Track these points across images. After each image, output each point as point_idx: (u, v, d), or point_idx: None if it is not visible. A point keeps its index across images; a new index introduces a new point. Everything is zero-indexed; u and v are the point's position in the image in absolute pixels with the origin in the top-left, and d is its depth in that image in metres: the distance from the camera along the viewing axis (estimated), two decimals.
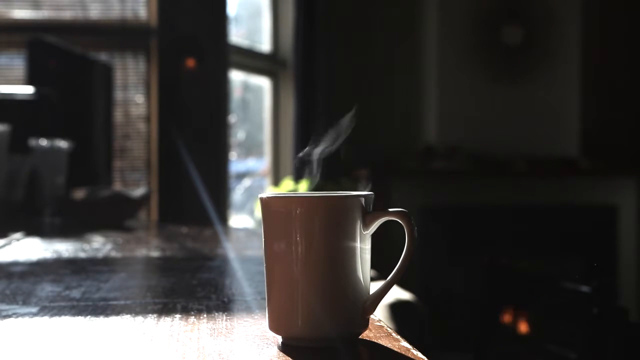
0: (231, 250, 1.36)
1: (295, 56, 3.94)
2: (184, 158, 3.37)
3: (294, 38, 3.95)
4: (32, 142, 1.90)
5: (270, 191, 3.67)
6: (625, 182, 4.19)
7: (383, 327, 0.65)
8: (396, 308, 1.54)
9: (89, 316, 0.70)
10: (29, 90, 2.18)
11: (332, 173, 0.66)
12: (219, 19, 3.63)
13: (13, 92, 2.19)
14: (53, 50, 2.48)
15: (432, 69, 4.13)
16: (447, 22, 4.10)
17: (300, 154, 0.63)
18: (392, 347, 0.58)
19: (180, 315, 0.70)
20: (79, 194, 1.95)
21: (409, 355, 0.56)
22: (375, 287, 0.62)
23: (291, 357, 0.56)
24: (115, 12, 3.60)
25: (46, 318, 0.70)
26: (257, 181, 4.35)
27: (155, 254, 1.31)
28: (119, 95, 3.50)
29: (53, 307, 0.75)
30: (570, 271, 4.08)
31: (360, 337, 0.61)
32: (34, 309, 0.74)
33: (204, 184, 3.33)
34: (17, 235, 1.46)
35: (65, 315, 0.71)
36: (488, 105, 4.12)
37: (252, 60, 4.09)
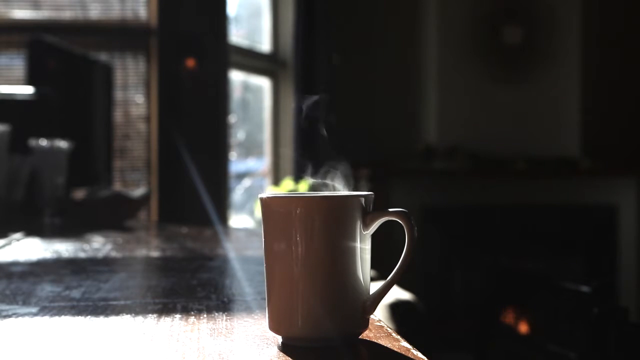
0: (231, 250, 1.36)
1: (295, 56, 3.94)
2: (184, 158, 3.37)
3: (294, 38, 3.95)
4: (32, 142, 1.90)
5: (270, 191, 3.67)
6: (625, 182, 4.19)
7: (383, 327, 0.65)
8: (396, 308, 1.54)
9: (89, 316, 0.70)
10: (29, 90, 2.18)
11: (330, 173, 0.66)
12: (219, 19, 3.63)
13: (13, 92, 2.19)
14: (53, 50, 2.48)
15: (432, 69, 4.13)
16: (447, 22, 4.10)
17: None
18: (392, 347, 0.58)
19: (180, 315, 0.70)
20: (79, 194, 1.95)
21: (409, 355, 0.56)
22: (375, 287, 0.62)
23: (291, 357, 0.56)
24: (115, 12, 3.60)
25: (46, 318, 0.70)
26: (257, 181, 4.35)
27: (155, 254, 1.31)
28: (119, 95, 3.50)
29: (53, 307, 0.75)
30: (570, 271, 4.08)
31: (360, 337, 0.61)
32: (34, 309, 0.74)
33: (204, 184, 3.33)
34: (17, 235, 1.46)
35: (65, 315, 0.71)
36: (488, 105, 4.12)
37: (252, 60, 4.09)
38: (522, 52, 4.15)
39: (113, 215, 1.83)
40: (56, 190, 1.90)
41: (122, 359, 0.55)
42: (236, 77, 4.10)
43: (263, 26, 4.27)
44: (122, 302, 0.78)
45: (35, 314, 0.71)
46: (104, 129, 2.75)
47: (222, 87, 3.63)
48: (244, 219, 4.21)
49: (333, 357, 0.57)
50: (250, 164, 4.42)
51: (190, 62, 3.52)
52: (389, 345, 0.59)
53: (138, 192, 1.99)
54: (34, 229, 1.61)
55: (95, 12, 3.59)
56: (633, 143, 4.39)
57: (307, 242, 0.58)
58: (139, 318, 0.69)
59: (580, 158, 4.12)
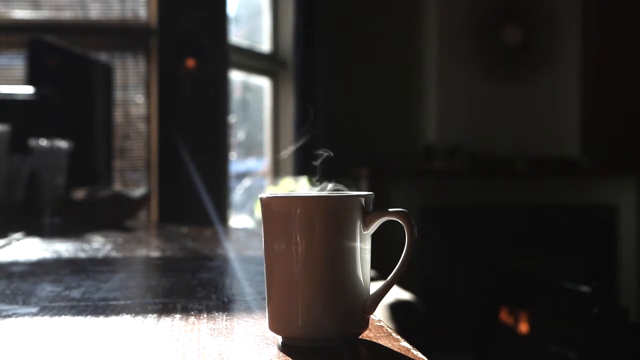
0: (231, 250, 1.36)
1: (295, 56, 3.94)
2: (184, 158, 3.37)
3: (294, 38, 3.95)
4: (32, 142, 1.90)
5: (270, 191, 3.67)
6: (625, 182, 4.19)
7: (383, 327, 0.65)
8: (396, 308, 1.54)
9: (89, 316, 0.70)
10: (29, 90, 2.18)
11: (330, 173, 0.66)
12: (219, 19, 3.63)
13: (13, 92, 2.19)
14: (53, 50, 2.48)
15: (432, 69, 4.13)
16: (447, 22, 4.10)
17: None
18: (392, 347, 0.58)
19: (180, 315, 0.70)
20: (79, 194, 1.95)
21: (409, 355, 0.56)
22: (375, 287, 0.62)
23: (291, 357, 0.56)
24: (115, 12, 3.60)
25: (46, 318, 0.70)
26: (257, 181, 4.35)
27: (155, 254, 1.31)
28: (119, 95, 3.50)
29: (53, 307, 0.75)
30: (570, 271, 4.08)
31: (360, 337, 0.61)
32: (34, 309, 0.74)
33: (204, 184, 3.33)
34: (17, 235, 1.46)
35: (65, 315, 0.71)
36: (488, 105, 4.12)
37: (252, 60, 4.09)
38: (522, 52, 4.15)
39: (113, 215, 1.83)
40: (56, 190, 1.90)
41: (122, 359, 0.55)
42: (236, 77, 4.10)
43: (263, 26, 4.27)
44: (122, 302, 0.78)
45: (35, 314, 0.71)
46: (104, 129, 2.75)
47: (222, 87, 3.63)
48: (244, 219, 4.21)
49: (333, 357, 0.57)
50: (250, 164, 4.42)
51: (190, 62, 3.52)
52: (389, 345, 0.59)
53: (138, 192, 1.99)
54: (34, 229, 1.61)
55: (95, 12, 3.59)
56: (633, 143, 4.39)
57: (307, 242, 0.58)
58: (139, 318, 0.69)
59: (580, 158, 4.12)
